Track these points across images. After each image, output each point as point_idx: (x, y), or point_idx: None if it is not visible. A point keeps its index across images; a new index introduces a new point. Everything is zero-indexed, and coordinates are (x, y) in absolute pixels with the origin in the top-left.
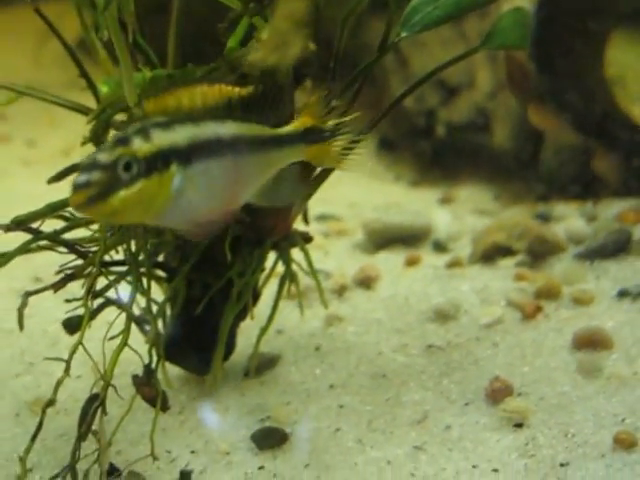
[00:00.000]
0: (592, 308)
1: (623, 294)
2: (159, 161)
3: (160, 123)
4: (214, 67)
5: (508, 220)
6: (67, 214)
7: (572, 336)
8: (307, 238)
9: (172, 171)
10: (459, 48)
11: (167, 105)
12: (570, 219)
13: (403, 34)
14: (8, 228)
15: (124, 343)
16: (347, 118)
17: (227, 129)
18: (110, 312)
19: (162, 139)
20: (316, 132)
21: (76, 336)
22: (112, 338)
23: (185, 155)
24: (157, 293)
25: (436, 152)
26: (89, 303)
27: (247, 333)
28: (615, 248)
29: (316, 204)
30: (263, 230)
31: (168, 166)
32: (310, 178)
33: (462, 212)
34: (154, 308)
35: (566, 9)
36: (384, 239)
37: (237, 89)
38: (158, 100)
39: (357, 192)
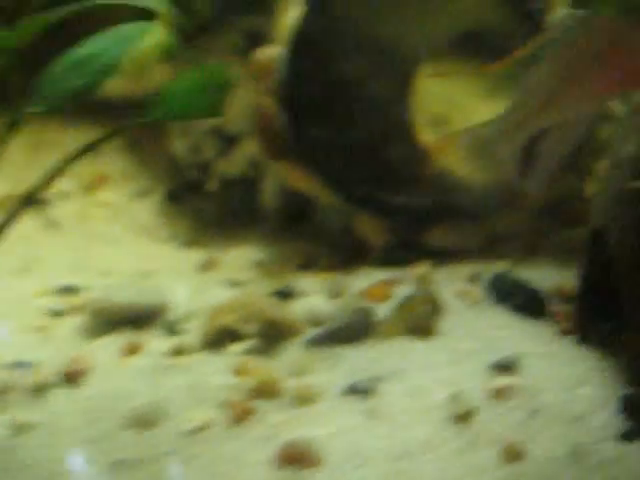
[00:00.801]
0: (313, 408)
1: (350, 391)
2: None
3: None
4: None
5: (240, 298)
6: None
7: (276, 449)
8: None
9: None
10: None
11: None
12: (314, 295)
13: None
14: None
15: None
16: None
17: None
18: None
19: None
20: None
21: None
22: None
23: None
24: None
25: (211, 209)
26: None
27: None
28: (354, 331)
29: (64, 273)
30: None
31: None
32: None
33: (211, 283)
34: None
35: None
36: (111, 321)
37: None
38: None
39: (120, 255)
